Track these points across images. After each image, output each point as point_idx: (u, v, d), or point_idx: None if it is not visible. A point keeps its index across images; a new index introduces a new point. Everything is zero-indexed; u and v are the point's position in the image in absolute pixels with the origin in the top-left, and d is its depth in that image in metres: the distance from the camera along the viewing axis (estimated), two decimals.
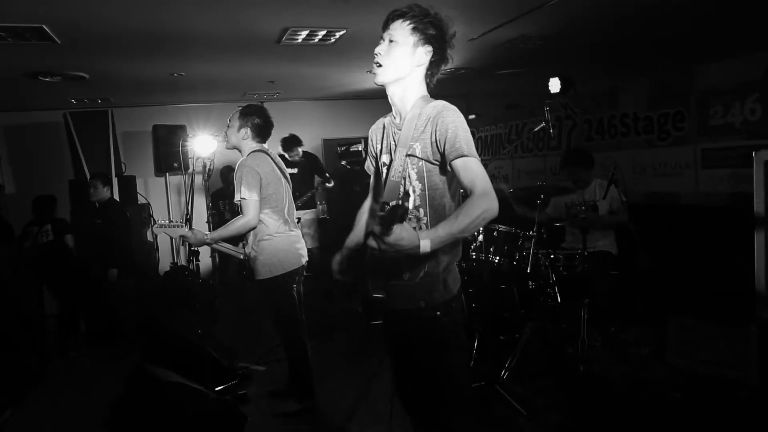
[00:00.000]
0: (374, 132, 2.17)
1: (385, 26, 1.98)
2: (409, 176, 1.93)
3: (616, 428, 3.05)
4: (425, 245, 1.69)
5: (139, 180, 6.74)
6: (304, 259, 3.43)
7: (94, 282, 5.15)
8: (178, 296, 5.36)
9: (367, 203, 2.31)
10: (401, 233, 1.65)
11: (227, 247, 3.45)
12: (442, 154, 1.86)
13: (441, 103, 1.93)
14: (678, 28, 4.59)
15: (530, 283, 3.97)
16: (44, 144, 6.80)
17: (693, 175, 4.19)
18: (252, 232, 3.27)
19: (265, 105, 3.54)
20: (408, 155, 1.92)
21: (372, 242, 1.71)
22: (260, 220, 3.25)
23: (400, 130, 1.95)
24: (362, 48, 4.77)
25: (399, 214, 1.60)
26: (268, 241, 3.25)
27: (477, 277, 3.95)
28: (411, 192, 1.91)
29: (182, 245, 5.76)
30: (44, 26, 3.66)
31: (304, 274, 3.49)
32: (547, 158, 5.33)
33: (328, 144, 8.35)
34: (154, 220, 6.53)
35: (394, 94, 1.99)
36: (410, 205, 1.71)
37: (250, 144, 3.37)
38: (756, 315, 2.83)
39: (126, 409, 2.71)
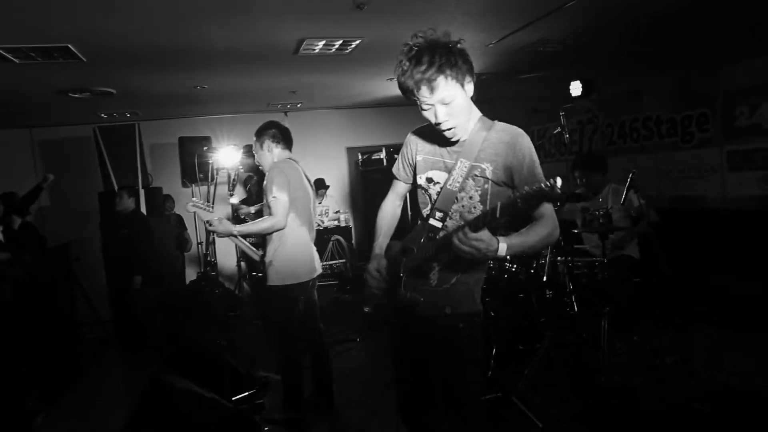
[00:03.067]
0: (416, 141, 2.11)
1: (426, 90, 1.81)
2: (470, 197, 1.93)
3: None
4: (502, 249, 1.76)
5: (166, 191, 6.89)
6: (317, 272, 3.45)
7: (121, 290, 5.30)
8: (202, 305, 5.46)
9: (388, 206, 2.29)
10: (487, 235, 1.72)
11: (247, 245, 3.54)
12: (513, 179, 1.88)
13: (510, 127, 1.93)
14: (701, 27, 4.47)
15: (547, 292, 3.90)
16: (76, 158, 7.04)
17: (719, 178, 4.05)
18: (275, 236, 3.26)
19: (289, 114, 3.59)
20: (474, 176, 1.91)
21: (462, 241, 1.73)
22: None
23: (461, 147, 1.94)
24: (379, 57, 4.80)
25: (489, 221, 1.68)
26: (286, 247, 3.26)
27: (495, 286, 3.91)
28: (469, 211, 1.94)
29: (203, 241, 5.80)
30: (70, 45, 3.80)
31: (317, 283, 3.53)
32: (568, 163, 5.23)
33: (351, 152, 8.41)
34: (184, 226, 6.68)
35: None
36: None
37: (278, 153, 3.44)
38: None
39: (142, 419, 2.76)
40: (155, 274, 5.25)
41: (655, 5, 4.04)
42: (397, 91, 1.96)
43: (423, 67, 1.77)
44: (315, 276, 3.44)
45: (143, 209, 5.91)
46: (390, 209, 2.30)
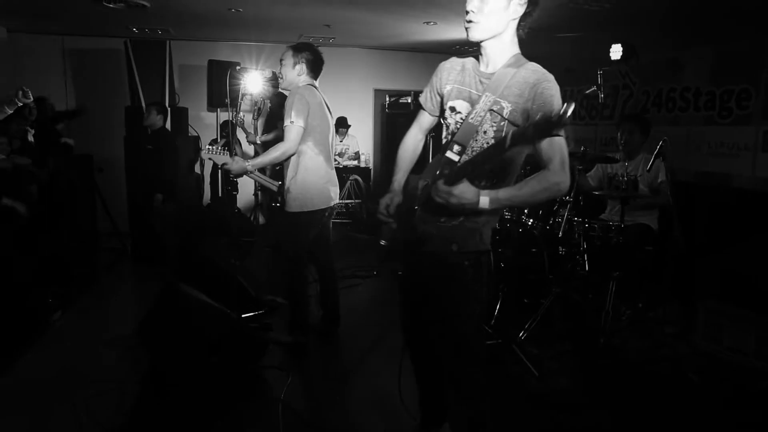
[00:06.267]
0: (448, 70, 2.04)
1: None
2: (485, 132, 1.89)
3: (624, 399, 3.04)
4: (484, 202, 1.75)
5: (192, 113, 6.90)
6: (334, 201, 3.49)
7: (141, 205, 5.41)
8: (217, 226, 5.57)
9: (410, 140, 2.24)
10: (464, 188, 1.73)
11: (263, 178, 3.62)
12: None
13: (541, 69, 1.85)
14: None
15: (560, 249, 3.91)
16: (106, 69, 7.05)
17: (751, 157, 3.96)
18: (292, 163, 3.30)
19: (320, 49, 3.54)
20: (491, 110, 1.86)
21: (435, 192, 1.77)
22: (302, 152, 3.28)
23: (489, 80, 1.89)
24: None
25: (468, 171, 1.70)
26: (303, 174, 3.30)
27: (508, 238, 3.93)
28: (482, 147, 1.90)
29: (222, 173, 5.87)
30: None
31: (333, 214, 3.57)
32: (598, 127, 5.13)
33: (379, 94, 8.32)
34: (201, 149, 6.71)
35: (487, 46, 1.90)
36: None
37: (304, 80, 3.42)
38: None
39: (155, 321, 2.88)
40: (173, 191, 5.34)
41: None
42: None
43: None
44: (332, 204, 3.47)
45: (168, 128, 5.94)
46: (411, 144, 2.25)
